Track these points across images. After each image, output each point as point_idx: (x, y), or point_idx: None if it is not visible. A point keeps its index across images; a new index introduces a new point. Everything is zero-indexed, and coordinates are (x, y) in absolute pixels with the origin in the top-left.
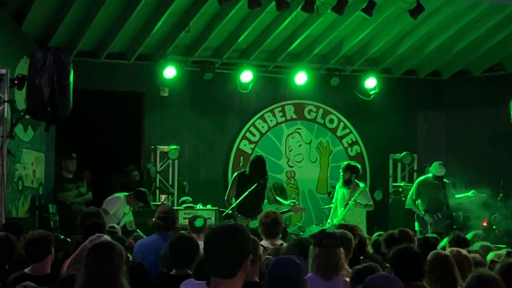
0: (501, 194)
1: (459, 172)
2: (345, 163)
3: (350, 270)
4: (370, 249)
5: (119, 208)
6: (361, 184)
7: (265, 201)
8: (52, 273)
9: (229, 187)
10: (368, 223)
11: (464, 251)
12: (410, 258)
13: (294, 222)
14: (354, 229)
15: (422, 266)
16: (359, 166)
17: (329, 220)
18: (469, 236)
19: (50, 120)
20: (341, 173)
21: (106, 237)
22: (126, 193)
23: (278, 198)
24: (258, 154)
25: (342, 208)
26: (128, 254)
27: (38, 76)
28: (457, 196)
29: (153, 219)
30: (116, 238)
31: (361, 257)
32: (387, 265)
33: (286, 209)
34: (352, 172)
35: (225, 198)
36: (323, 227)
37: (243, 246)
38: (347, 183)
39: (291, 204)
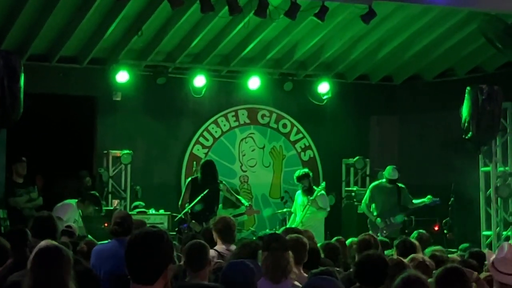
0: (452, 199)
1: (412, 176)
2: (297, 174)
3: (306, 275)
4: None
5: (70, 215)
6: (319, 188)
7: (220, 205)
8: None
9: (182, 193)
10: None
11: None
12: (373, 264)
13: (247, 227)
14: (303, 234)
15: (383, 272)
16: (306, 170)
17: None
18: (413, 236)
19: (0, 124)
20: (299, 184)
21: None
22: (77, 200)
23: (239, 197)
24: (208, 158)
25: (301, 212)
26: (80, 258)
27: None
28: (414, 201)
29: (106, 225)
30: (72, 241)
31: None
32: (337, 269)
33: (240, 212)
34: (308, 178)
35: (179, 203)
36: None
37: (165, 252)
38: (308, 192)
39: (247, 205)
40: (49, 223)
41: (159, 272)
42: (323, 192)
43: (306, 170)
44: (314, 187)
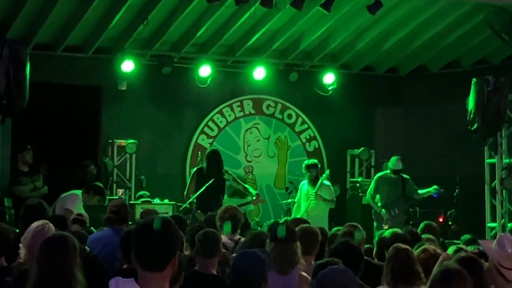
0: (457, 190)
1: (416, 168)
2: (308, 162)
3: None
4: None
5: (79, 206)
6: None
7: (225, 195)
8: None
9: (188, 183)
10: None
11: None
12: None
13: (252, 217)
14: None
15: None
16: (316, 161)
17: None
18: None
19: (6, 113)
20: (307, 173)
21: (51, 225)
22: (82, 190)
23: (247, 186)
24: (214, 148)
25: (306, 202)
26: (86, 247)
27: None
28: (420, 191)
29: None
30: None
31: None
32: None
33: (246, 202)
34: (316, 168)
35: (185, 193)
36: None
37: (174, 240)
38: (314, 182)
39: (255, 194)
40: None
41: (169, 259)
42: (326, 181)
43: (316, 160)
44: (320, 177)
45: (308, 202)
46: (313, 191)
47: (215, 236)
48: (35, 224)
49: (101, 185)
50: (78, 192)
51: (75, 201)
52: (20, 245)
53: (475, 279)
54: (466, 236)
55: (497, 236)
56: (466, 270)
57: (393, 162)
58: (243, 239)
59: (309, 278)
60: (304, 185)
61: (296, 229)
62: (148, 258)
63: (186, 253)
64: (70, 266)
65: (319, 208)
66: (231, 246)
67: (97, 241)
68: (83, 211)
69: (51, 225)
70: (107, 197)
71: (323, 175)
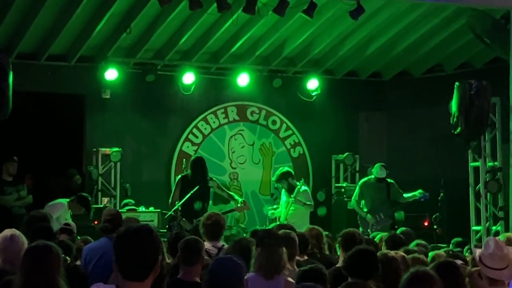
0: (441, 194)
1: (401, 172)
2: (275, 176)
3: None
4: None
5: (61, 214)
6: (299, 184)
7: (210, 202)
8: None
9: (173, 190)
10: (311, 224)
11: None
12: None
13: (237, 224)
14: (293, 228)
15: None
16: (286, 169)
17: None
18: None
19: None
20: (279, 186)
21: (19, 233)
22: (68, 199)
23: (232, 193)
24: (198, 155)
25: (285, 209)
26: (67, 257)
27: None
28: (405, 195)
29: (95, 223)
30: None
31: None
32: None
33: (230, 209)
34: (286, 178)
35: (169, 201)
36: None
37: (155, 248)
38: (290, 190)
39: (241, 201)
40: (43, 222)
41: (150, 269)
42: (304, 187)
43: (283, 169)
44: (297, 183)
45: (287, 209)
46: (292, 197)
47: (198, 244)
48: (5, 232)
49: (87, 195)
50: (64, 200)
51: (58, 208)
52: None
53: (450, 282)
54: (457, 239)
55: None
56: (442, 274)
57: (377, 170)
58: (226, 246)
59: (294, 283)
60: (283, 194)
61: None
62: (128, 268)
63: (168, 261)
64: (54, 275)
65: (299, 215)
66: (214, 253)
67: (93, 250)
68: (70, 220)
69: (19, 232)
70: (92, 206)
71: (299, 183)
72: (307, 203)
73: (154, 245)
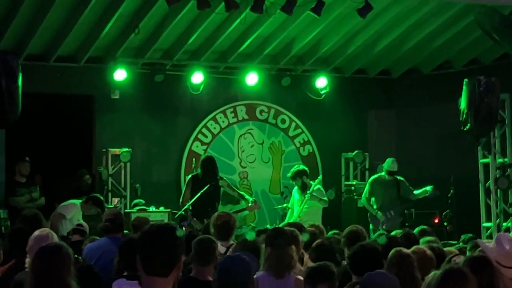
0: (451, 191)
1: (410, 169)
2: (290, 173)
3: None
4: None
5: (74, 215)
6: (315, 182)
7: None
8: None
9: (183, 190)
10: (322, 222)
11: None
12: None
13: (247, 222)
14: (302, 227)
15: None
16: (302, 167)
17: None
18: (415, 231)
19: None
20: (293, 183)
21: (53, 233)
22: (81, 200)
23: (242, 192)
24: (208, 155)
25: (298, 207)
26: (79, 257)
27: None
28: (415, 192)
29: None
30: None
31: None
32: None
33: (240, 208)
34: (301, 176)
35: (180, 201)
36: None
37: (178, 245)
38: (303, 188)
39: (252, 201)
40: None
41: (174, 265)
42: (319, 186)
43: (299, 167)
44: (311, 182)
45: (300, 207)
46: (308, 192)
47: (212, 244)
48: (37, 232)
49: (100, 196)
50: (77, 201)
51: (71, 209)
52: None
53: (486, 278)
54: (467, 235)
55: (496, 235)
56: (475, 270)
57: (389, 163)
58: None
59: (303, 281)
60: (296, 191)
61: None
62: (153, 263)
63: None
64: (64, 275)
65: (312, 212)
66: (223, 251)
67: (94, 250)
68: (82, 221)
69: (53, 233)
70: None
71: (316, 180)
72: (323, 198)
73: (177, 242)
